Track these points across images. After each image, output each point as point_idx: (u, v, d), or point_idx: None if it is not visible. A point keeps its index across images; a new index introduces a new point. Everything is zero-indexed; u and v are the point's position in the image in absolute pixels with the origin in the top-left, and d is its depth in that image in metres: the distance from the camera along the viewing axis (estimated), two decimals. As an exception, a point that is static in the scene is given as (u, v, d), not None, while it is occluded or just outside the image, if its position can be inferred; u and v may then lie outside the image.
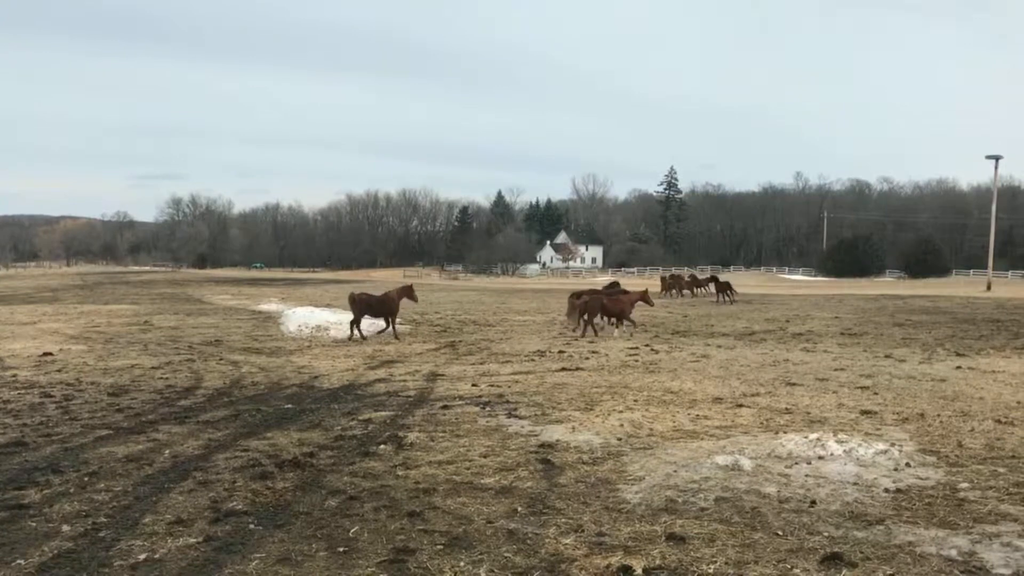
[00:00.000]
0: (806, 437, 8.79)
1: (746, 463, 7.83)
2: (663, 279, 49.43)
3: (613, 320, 22.75)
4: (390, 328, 21.98)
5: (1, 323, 26.18)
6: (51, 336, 21.69)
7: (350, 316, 21.32)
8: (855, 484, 7.21)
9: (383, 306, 21.78)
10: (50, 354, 17.36)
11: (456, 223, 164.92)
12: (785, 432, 9.24)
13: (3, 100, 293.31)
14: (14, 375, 14.35)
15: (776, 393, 12.11)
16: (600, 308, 22.08)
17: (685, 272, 69.00)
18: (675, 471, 7.64)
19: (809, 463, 7.89)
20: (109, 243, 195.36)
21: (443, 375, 14.43)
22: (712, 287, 40.74)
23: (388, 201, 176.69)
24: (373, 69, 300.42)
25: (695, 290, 46.49)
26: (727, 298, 37.13)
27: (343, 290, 54.58)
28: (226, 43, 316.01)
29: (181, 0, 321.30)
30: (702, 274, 63.55)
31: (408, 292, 22.93)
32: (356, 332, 21.05)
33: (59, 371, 14.92)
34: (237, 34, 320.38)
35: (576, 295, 23.63)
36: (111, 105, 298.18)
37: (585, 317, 21.58)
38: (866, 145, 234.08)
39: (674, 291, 45.85)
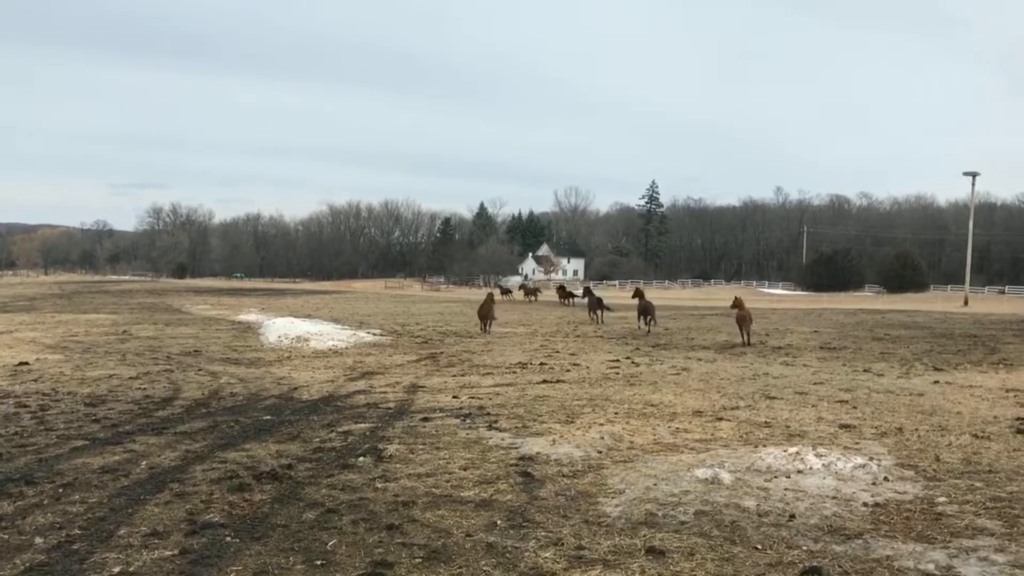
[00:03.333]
0: (785, 451, 8.81)
1: (726, 477, 7.85)
2: (559, 289, 56.17)
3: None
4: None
5: (-24, 332, 25.87)
6: (27, 345, 21.46)
7: (330, 327, 21.25)
8: (834, 498, 7.23)
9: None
10: (26, 363, 17.17)
11: (438, 234, 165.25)
12: (764, 446, 9.26)
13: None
14: (-11, 385, 14.18)
15: (756, 406, 12.14)
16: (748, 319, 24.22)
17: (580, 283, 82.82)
18: (655, 484, 7.64)
19: (788, 477, 7.91)
20: (88, 252, 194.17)
21: (423, 387, 14.38)
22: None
23: (370, 212, 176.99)
24: (356, 80, 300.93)
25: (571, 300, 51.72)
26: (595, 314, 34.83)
27: (324, 301, 54.43)
28: (209, 52, 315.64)
29: (164, 8, 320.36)
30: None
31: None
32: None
33: (35, 380, 14.76)
34: (220, 43, 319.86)
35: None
36: (91, 113, 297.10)
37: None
38: (846, 161, 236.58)
39: (567, 300, 51.50)
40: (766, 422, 10.86)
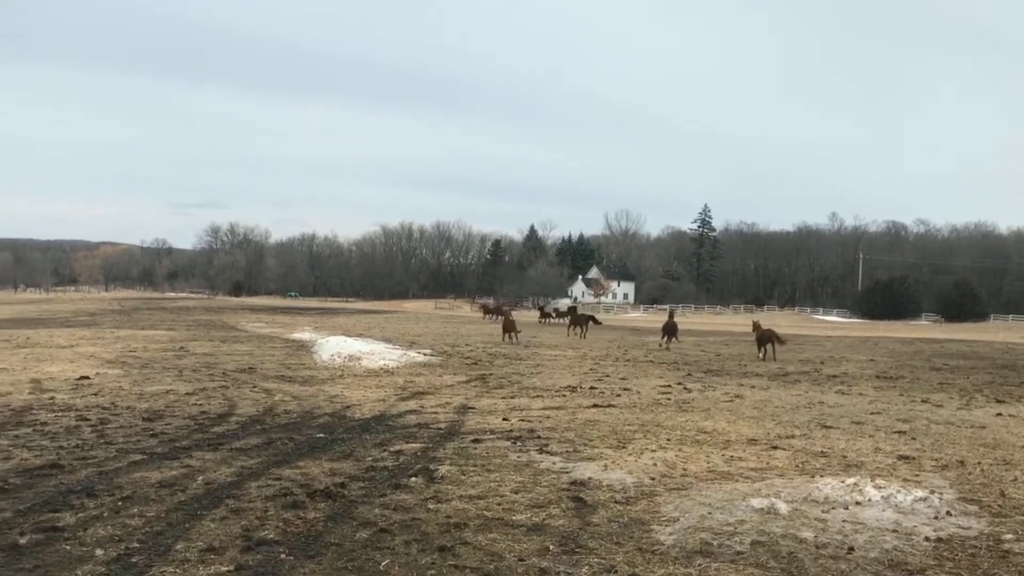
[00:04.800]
0: (843, 481, 8.63)
1: (782, 506, 7.71)
2: (540, 309, 66.47)
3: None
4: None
5: (40, 346, 26.57)
6: (88, 360, 21.95)
7: (381, 346, 21.49)
8: (894, 531, 7.06)
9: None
10: (87, 377, 17.56)
11: (488, 256, 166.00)
12: (821, 476, 9.09)
13: (47, 126, 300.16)
14: (52, 397, 14.52)
15: (811, 436, 11.93)
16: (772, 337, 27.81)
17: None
18: (710, 513, 7.54)
19: (846, 508, 7.74)
20: (147, 269, 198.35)
21: (473, 408, 14.40)
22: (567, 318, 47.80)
23: (422, 233, 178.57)
24: (410, 103, 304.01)
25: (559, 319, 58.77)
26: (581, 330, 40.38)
27: (375, 320, 54.86)
28: (268, 75, 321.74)
29: (225, 32, 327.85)
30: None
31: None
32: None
33: (95, 395, 15.08)
34: (280, 67, 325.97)
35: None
36: (153, 133, 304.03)
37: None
38: (903, 187, 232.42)
39: (545, 320, 58.41)
40: (822, 452, 10.67)
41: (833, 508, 7.75)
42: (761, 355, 27.27)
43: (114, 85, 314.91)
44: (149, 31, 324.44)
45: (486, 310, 69.94)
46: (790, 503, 7.86)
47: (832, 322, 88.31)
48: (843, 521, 7.34)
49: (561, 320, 56.26)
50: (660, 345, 32.59)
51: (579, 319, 39.63)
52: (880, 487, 8.40)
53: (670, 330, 33.90)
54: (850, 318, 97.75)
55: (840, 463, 9.95)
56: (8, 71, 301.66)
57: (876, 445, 11.23)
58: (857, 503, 7.90)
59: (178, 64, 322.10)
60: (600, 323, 41.25)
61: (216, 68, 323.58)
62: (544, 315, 60.44)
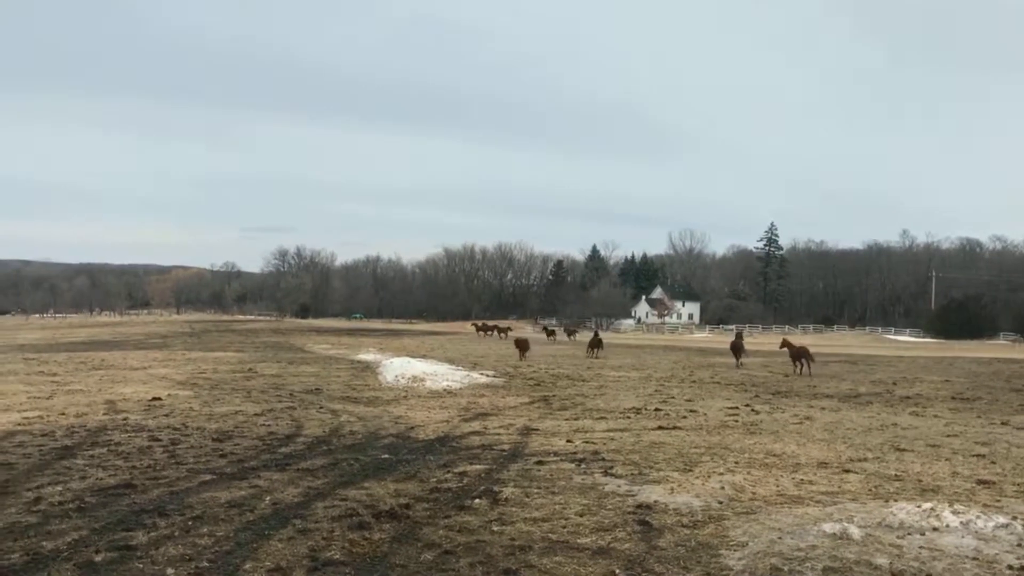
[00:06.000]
0: (919, 506, 8.35)
1: (855, 532, 7.48)
2: (544, 328, 74.12)
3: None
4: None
5: (114, 368, 27.32)
6: (160, 381, 22.48)
7: (444, 367, 21.63)
8: (975, 559, 6.79)
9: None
10: (159, 399, 17.97)
11: (550, 277, 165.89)
12: (895, 500, 8.81)
13: (123, 154, 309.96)
14: (125, 418, 14.89)
15: (884, 459, 11.60)
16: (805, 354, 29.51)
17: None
18: (780, 538, 7.36)
19: (923, 534, 7.48)
20: (217, 292, 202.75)
21: (537, 429, 14.34)
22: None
23: (484, 255, 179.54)
24: (471, 126, 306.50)
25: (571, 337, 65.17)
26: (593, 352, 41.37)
27: (439, 341, 55.22)
28: (335, 101, 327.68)
29: (292, 62, 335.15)
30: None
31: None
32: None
33: (167, 415, 15.41)
34: (345, 92, 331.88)
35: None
36: (223, 160, 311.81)
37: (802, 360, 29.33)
38: (977, 203, 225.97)
39: (552, 338, 63.11)
40: (896, 475, 10.36)
41: (909, 534, 7.50)
42: (796, 371, 29.19)
43: (185, 115, 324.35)
44: (217, 59, 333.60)
45: (478, 328, 74.79)
46: (863, 528, 7.63)
47: (904, 342, 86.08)
48: (920, 548, 7.10)
49: (572, 339, 62.54)
50: (737, 366, 32.93)
51: (595, 343, 41.61)
52: (958, 512, 8.11)
53: (736, 348, 34.94)
54: (923, 338, 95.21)
55: (915, 487, 9.65)
56: (86, 105, 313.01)
57: (953, 469, 10.87)
58: (934, 529, 7.64)
59: (249, 93, 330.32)
60: (603, 347, 43.08)
61: (284, 96, 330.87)
62: (549, 333, 65.69)
